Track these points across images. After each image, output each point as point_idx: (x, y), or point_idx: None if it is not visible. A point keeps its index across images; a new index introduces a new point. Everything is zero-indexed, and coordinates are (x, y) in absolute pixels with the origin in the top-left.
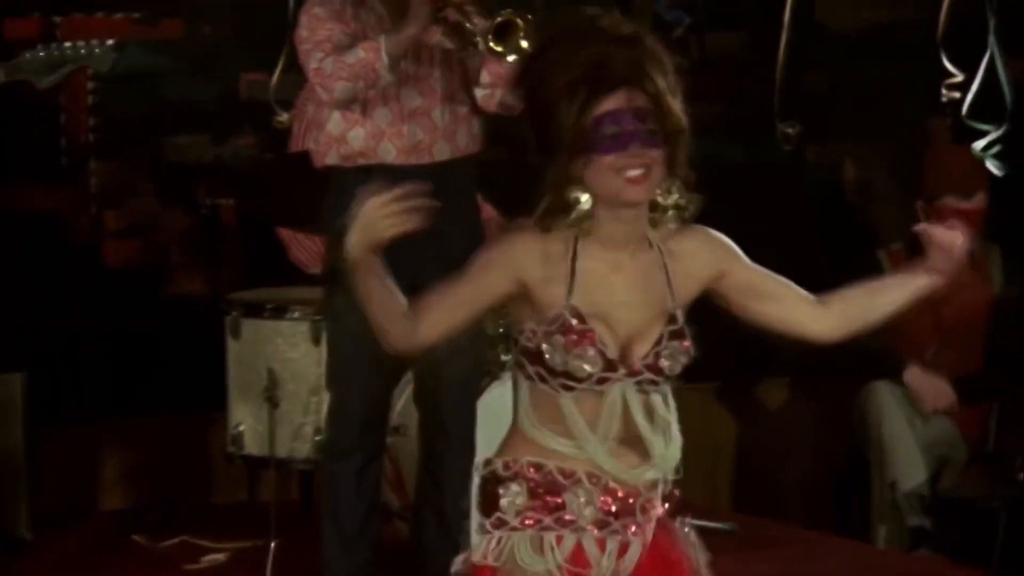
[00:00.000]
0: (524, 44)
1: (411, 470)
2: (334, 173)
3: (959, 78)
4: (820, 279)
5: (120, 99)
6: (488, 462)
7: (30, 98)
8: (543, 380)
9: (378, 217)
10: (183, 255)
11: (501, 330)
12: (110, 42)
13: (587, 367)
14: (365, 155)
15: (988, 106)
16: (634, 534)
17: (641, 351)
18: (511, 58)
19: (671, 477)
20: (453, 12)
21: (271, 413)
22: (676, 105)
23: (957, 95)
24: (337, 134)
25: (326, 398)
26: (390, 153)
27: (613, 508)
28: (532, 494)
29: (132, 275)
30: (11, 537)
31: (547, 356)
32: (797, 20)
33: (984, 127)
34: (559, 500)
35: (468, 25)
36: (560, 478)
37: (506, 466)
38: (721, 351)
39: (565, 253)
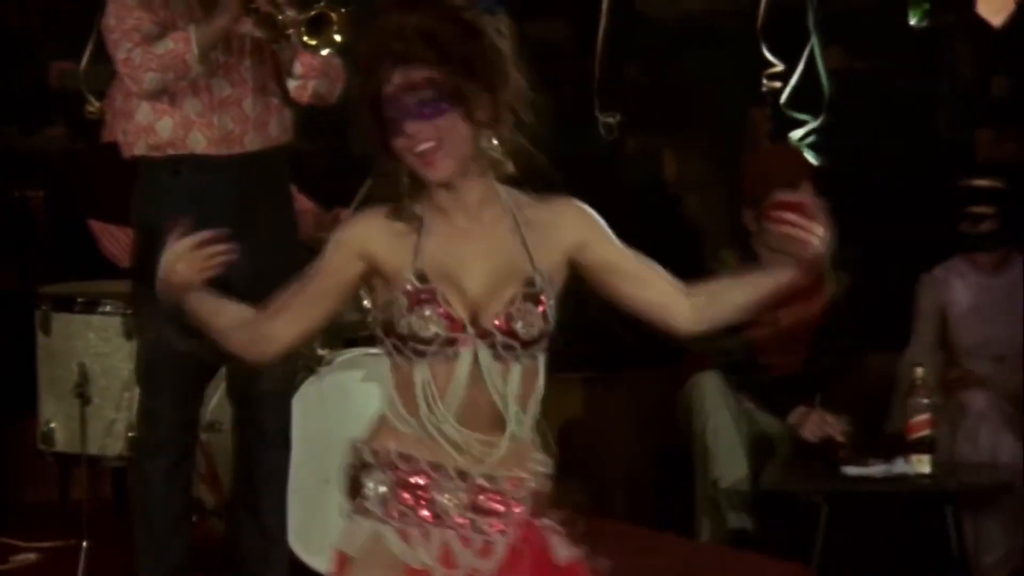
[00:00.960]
0: (338, 37)
1: (226, 467)
2: (143, 164)
3: (779, 68)
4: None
5: None
6: (356, 447)
7: None
8: (399, 351)
9: (184, 265)
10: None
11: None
12: None
13: (431, 327)
14: (174, 145)
15: (806, 96)
16: (499, 532)
17: (491, 311)
18: (324, 52)
19: (539, 476)
20: (264, 3)
21: (82, 410)
22: (467, 60)
23: (777, 85)
24: (145, 124)
25: (138, 394)
26: (200, 143)
27: (480, 505)
28: (399, 485)
29: None
30: None
31: (395, 323)
32: (616, 9)
33: (802, 117)
34: (426, 495)
35: (280, 17)
36: (429, 471)
37: (373, 452)
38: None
39: (412, 225)
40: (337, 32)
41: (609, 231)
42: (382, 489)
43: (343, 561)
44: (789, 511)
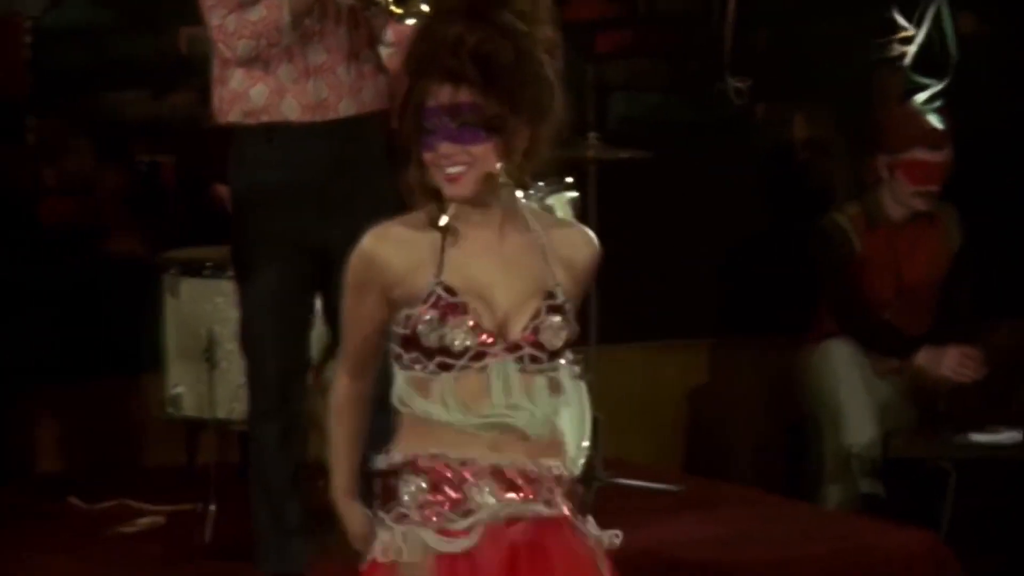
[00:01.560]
0: (424, 7)
1: None
2: (237, 130)
3: (909, 32)
4: (770, 238)
5: (58, 54)
6: (386, 454)
7: None
8: (421, 365)
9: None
10: (121, 213)
11: None
12: None
13: (464, 339)
14: (268, 112)
15: (932, 60)
16: (533, 516)
17: (518, 325)
18: (410, 21)
19: (574, 471)
20: None
21: (210, 374)
22: (517, 93)
23: (907, 49)
24: (240, 91)
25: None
26: (294, 110)
27: (514, 487)
28: (433, 487)
29: (70, 233)
30: None
31: (421, 335)
32: None
33: (927, 81)
34: (459, 494)
35: None
36: (461, 470)
37: (405, 458)
38: (671, 309)
39: (434, 238)
40: (423, 2)
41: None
42: (420, 494)
43: (380, 570)
44: (918, 477)
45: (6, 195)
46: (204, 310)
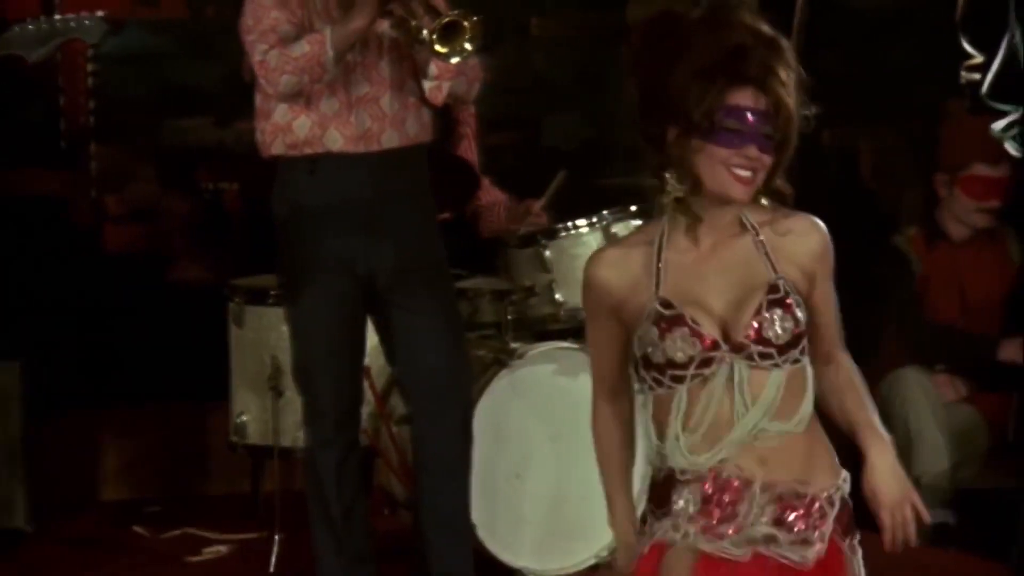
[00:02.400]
0: (468, 46)
1: None
2: (281, 162)
3: (978, 59)
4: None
5: (121, 81)
6: (664, 460)
7: (28, 79)
8: (659, 383)
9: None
10: (185, 240)
11: (510, 317)
12: (100, 13)
13: (685, 349)
14: (311, 144)
15: (1008, 87)
16: (806, 546)
17: (741, 324)
18: (454, 60)
19: (842, 491)
20: (399, 7)
21: (275, 402)
22: (795, 116)
23: (976, 76)
24: (283, 124)
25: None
26: (337, 142)
27: (785, 521)
28: (705, 501)
29: (133, 260)
30: (10, 529)
31: (649, 353)
32: (813, 0)
33: (1004, 108)
34: (730, 509)
35: (414, 23)
36: (735, 485)
37: (683, 471)
38: None
39: (650, 252)
40: (468, 40)
41: (831, 273)
42: (691, 508)
43: (646, 561)
44: (988, 508)
45: (70, 223)
46: (269, 338)
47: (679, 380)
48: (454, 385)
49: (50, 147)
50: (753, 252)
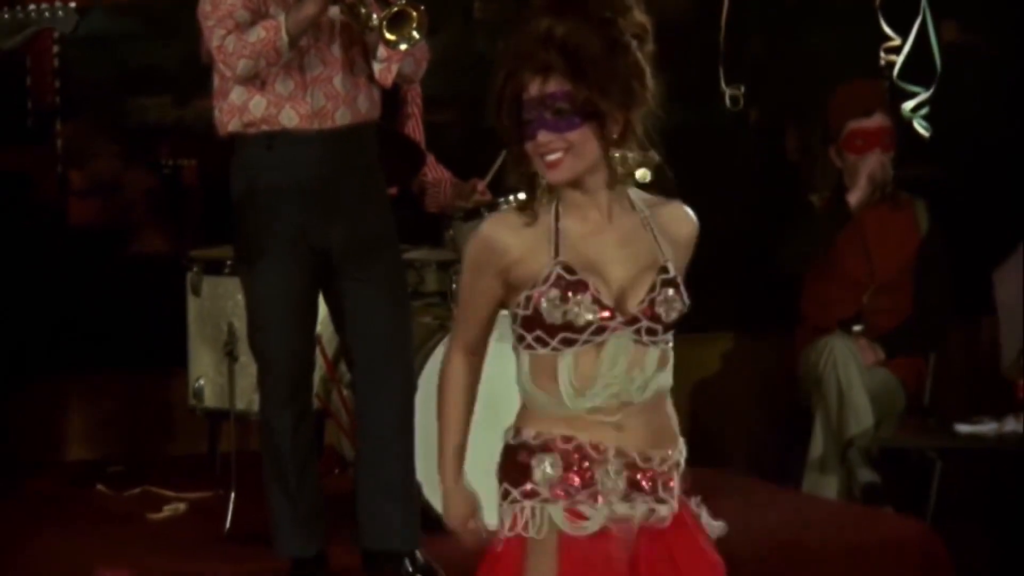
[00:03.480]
0: (416, 35)
1: None
2: (238, 139)
3: (897, 42)
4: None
5: (85, 62)
6: (518, 432)
7: None
8: (543, 343)
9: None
10: (146, 214)
11: (454, 286)
12: (72, 3)
13: (586, 315)
14: (267, 122)
15: (918, 69)
16: (660, 503)
17: (635, 299)
18: (402, 47)
19: (681, 455)
20: None
21: (230, 367)
22: (606, 80)
23: (894, 58)
24: (240, 104)
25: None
26: (292, 120)
27: (637, 484)
28: (565, 467)
29: (96, 233)
30: None
31: (544, 313)
32: None
33: (914, 89)
34: (589, 474)
35: (363, 11)
36: (591, 451)
37: (537, 436)
38: None
39: (548, 220)
40: (416, 29)
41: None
42: (549, 471)
43: (516, 544)
44: (905, 466)
45: (35, 198)
46: (225, 306)
47: (569, 343)
48: (397, 352)
49: (17, 125)
50: (642, 231)
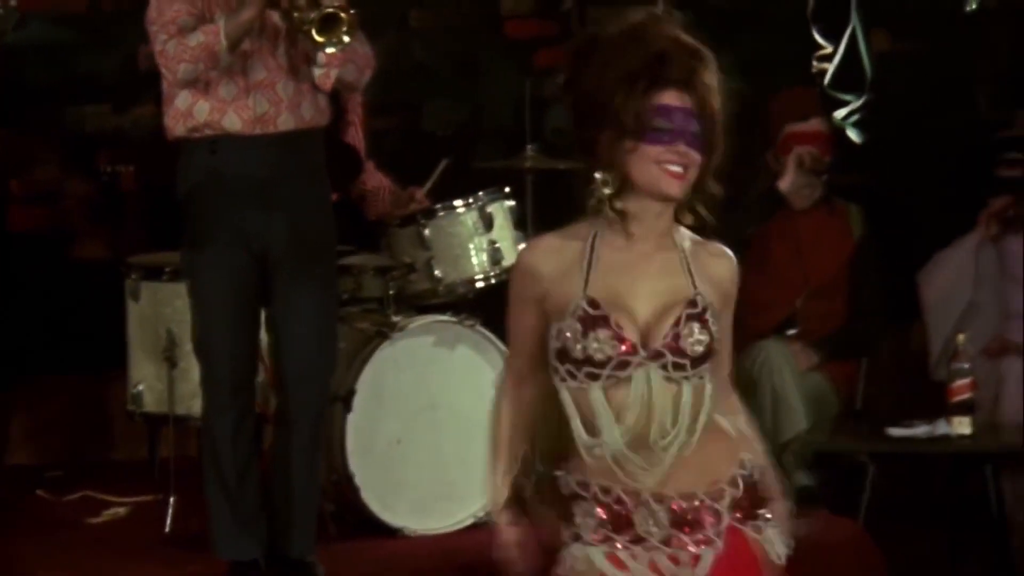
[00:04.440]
0: (346, 38)
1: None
2: (184, 143)
3: (829, 50)
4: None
5: (23, 70)
6: (564, 478)
7: None
8: (573, 377)
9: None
10: (85, 220)
11: (392, 292)
12: (13, 3)
13: (605, 349)
14: (211, 126)
15: (849, 77)
16: (703, 543)
17: (660, 333)
18: (330, 49)
19: (742, 479)
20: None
21: (170, 372)
22: (720, 116)
23: (827, 66)
24: (184, 109)
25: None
26: (235, 124)
27: (680, 519)
28: (604, 513)
29: (36, 239)
30: None
31: (569, 349)
32: None
33: (845, 97)
34: (629, 519)
35: (296, 14)
36: (627, 499)
37: (580, 484)
38: None
39: (583, 247)
40: (346, 32)
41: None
42: (591, 520)
43: None
44: (838, 470)
45: None
46: (164, 312)
47: (594, 378)
48: (320, 355)
49: None
50: (678, 266)
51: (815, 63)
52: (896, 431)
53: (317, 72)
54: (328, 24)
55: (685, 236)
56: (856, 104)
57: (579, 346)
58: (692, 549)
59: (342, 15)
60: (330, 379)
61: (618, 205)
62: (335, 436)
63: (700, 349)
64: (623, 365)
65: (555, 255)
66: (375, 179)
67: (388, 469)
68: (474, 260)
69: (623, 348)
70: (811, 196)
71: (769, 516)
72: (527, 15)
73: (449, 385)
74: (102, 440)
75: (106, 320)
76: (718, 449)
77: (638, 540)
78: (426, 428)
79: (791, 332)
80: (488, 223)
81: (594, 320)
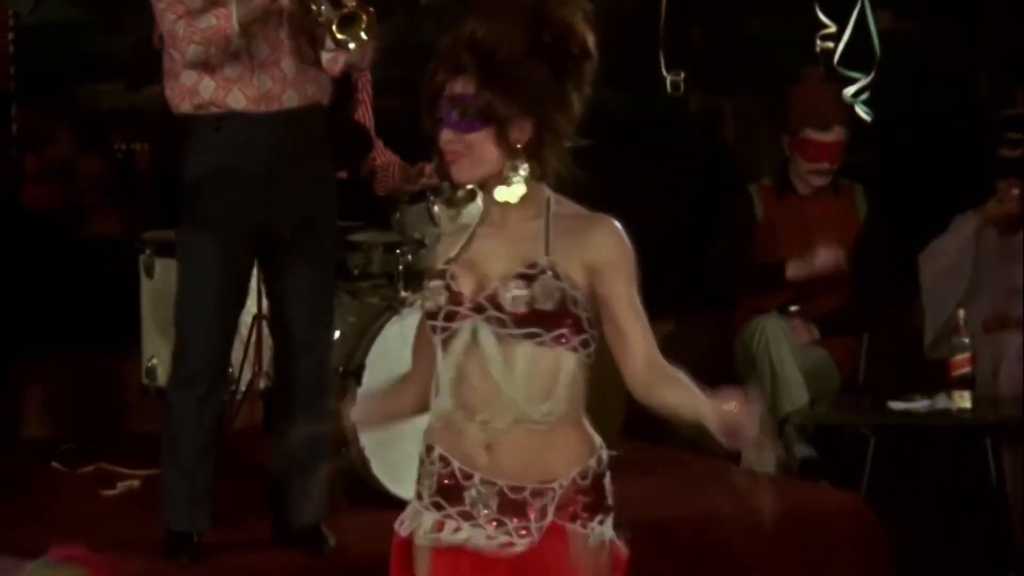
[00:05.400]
0: (364, 36)
1: None
2: (189, 120)
3: (832, 29)
4: (699, 215)
5: (40, 49)
6: (424, 441)
7: None
8: (435, 331)
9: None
10: (99, 197)
11: (401, 267)
12: None
13: (436, 299)
14: (216, 104)
15: (858, 55)
16: (522, 535)
17: (490, 288)
18: (351, 46)
19: (578, 477)
20: None
21: None
22: (512, 85)
23: (830, 45)
24: (189, 85)
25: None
26: (240, 101)
27: (508, 506)
28: (440, 483)
29: (51, 216)
30: None
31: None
32: None
33: (854, 75)
34: (460, 494)
35: (314, 8)
36: (461, 478)
37: (428, 450)
38: None
39: (471, 225)
40: (365, 30)
41: (631, 270)
42: (429, 488)
43: (403, 543)
44: (840, 443)
45: None
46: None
47: (434, 331)
48: (313, 331)
49: None
50: (536, 234)
51: (819, 42)
52: (897, 405)
53: (326, 57)
54: (348, 22)
55: (560, 203)
56: (865, 82)
57: (423, 299)
58: (509, 537)
59: (362, 14)
60: (330, 351)
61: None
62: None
63: (519, 307)
64: (451, 316)
65: (453, 235)
66: (384, 156)
67: (397, 442)
68: None
69: (447, 295)
70: (819, 183)
71: (601, 521)
72: None
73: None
74: (116, 414)
75: (120, 295)
76: (565, 444)
77: (467, 516)
78: None
79: (793, 308)
80: None
81: (435, 274)
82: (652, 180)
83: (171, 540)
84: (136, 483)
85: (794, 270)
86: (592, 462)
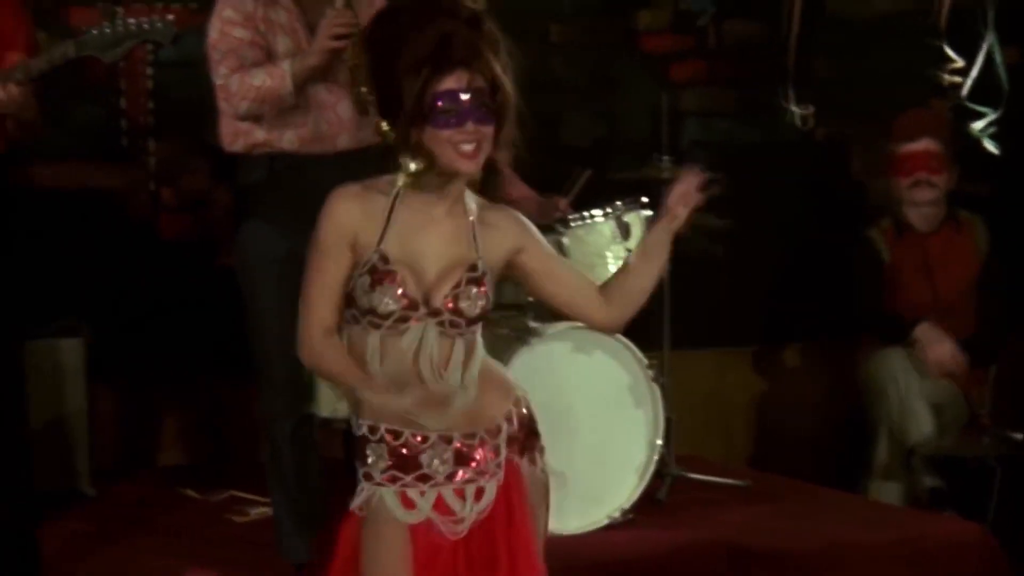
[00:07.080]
0: None
1: None
2: (241, 157)
3: (959, 64)
4: (829, 252)
5: (176, 84)
6: (354, 421)
7: (92, 83)
8: (357, 321)
9: None
10: (233, 228)
11: (530, 299)
12: (171, 16)
13: (390, 303)
14: (269, 144)
15: (986, 90)
16: (485, 476)
17: (441, 293)
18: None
19: (513, 418)
20: (353, 55)
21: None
22: (508, 85)
23: (957, 79)
24: (244, 127)
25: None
26: (293, 143)
27: (464, 456)
28: (392, 455)
29: (186, 247)
30: (74, 491)
31: (357, 297)
32: (808, 10)
33: (982, 109)
34: (416, 460)
35: (363, 89)
36: (415, 441)
37: (371, 430)
38: (740, 317)
39: (386, 203)
40: None
41: (542, 239)
42: (381, 462)
43: (353, 522)
44: (966, 474)
45: (129, 213)
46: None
47: (376, 327)
48: None
49: (112, 144)
50: (465, 234)
51: (945, 76)
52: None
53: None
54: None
55: (473, 202)
56: (993, 117)
57: (366, 297)
58: (477, 483)
59: None
60: None
61: (420, 179)
62: None
63: (476, 311)
64: (404, 319)
65: (361, 204)
66: (519, 189)
67: None
68: (611, 268)
69: (404, 303)
70: (937, 217)
71: (542, 447)
72: (663, 29)
73: (584, 390)
74: (247, 441)
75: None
76: (494, 391)
77: (424, 478)
78: (562, 432)
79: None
80: (625, 232)
81: (382, 275)
82: (780, 211)
83: (298, 570)
84: (268, 510)
85: (920, 332)
86: (519, 393)
